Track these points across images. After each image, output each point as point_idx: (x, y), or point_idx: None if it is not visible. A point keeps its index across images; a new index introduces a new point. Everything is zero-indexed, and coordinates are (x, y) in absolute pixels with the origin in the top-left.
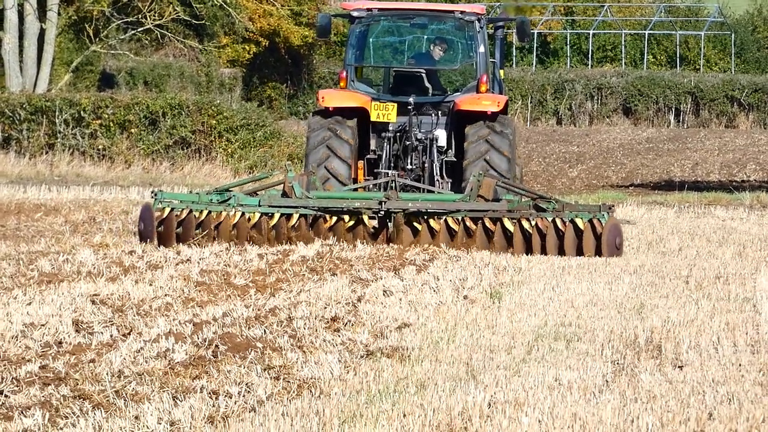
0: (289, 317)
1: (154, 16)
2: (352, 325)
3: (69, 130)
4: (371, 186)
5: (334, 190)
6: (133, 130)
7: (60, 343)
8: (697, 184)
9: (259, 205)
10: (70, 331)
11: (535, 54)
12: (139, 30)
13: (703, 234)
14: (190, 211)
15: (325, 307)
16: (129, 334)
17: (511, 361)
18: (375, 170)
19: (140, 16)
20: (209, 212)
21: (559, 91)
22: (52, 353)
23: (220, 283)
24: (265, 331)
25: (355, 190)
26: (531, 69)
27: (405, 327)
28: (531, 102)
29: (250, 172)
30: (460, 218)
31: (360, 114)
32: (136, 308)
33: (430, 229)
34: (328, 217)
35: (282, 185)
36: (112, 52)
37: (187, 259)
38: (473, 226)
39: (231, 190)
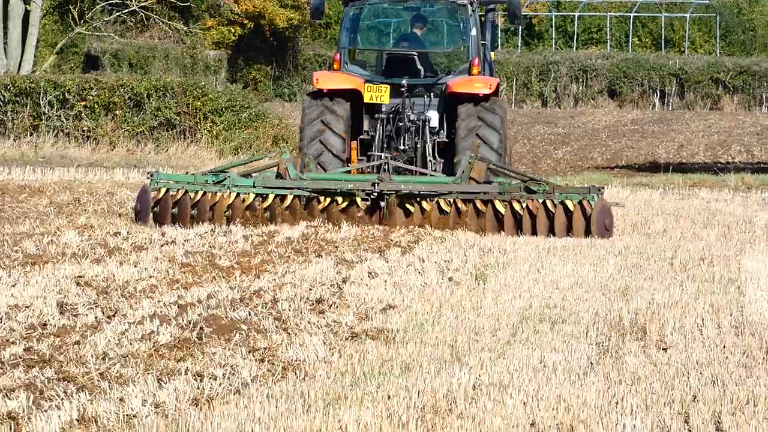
0: (274, 299)
1: None
2: (337, 306)
3: (53, 112)
4: (365, 168)
5: (329, 167)
6: (117, 112)
7: (44, 325)
8: (682, 166)
9: (254, 186)
10: (54, 313)
11: (520, 36)
12: (123, 12)
13: (688, 215)
14: (186, 192)
15: (310, 289)
16: (114, 316)
17: (496, 343)
18: (368, 151)
19: None
20: (204, 193)
21: (544, 73)
22: (37, 335)
23: (204, 264)
24: (249, 313)
25: (348, 172)
26: (516, 51)
27: (390, 309)
28: (516, 84)
29: (234, 154)
30: (452, 200)
31: (354, 95)
32: (121, 290)
33: (422, 211)
34: (321, 198)
35: (276, 167)
36: (97, 33)
37: (172, 241)
38: (465, 208)
39: (227, 171)
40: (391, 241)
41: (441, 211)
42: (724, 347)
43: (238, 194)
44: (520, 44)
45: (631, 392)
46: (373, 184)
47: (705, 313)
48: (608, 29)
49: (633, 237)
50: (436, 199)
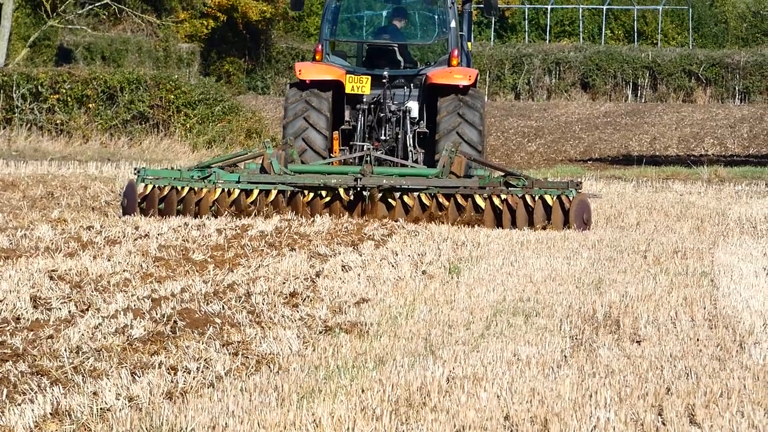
0: (248, 293)
1: None
2: (311, 300)
3: (26, 105)
4: (347, 159)
5: (311, 161)
6: (90, 105)
7: (18, 319)
8: (655, 159)
9: (239, 182)
10: (27, 307)
11: (493, 29)
12: (96, 5)
13: (661, 208)
14: (173, 187)
15: (284, 283)
16: (87, 310)
17: (470, 337)
18: (350, 142)
19: None
20: (190, 189)
21: (517, 65)
22: (10, 329)
23: (178, 258)
24: (223, 306)
25: (330, 163)
26: (489, 44)
27: (363, 302)
28: (489, 77)
29: (208, 147)
30: (432, 194)
31: (335, 86)
32: (95, 284)
33: (404, 204)
34: (306, 192)
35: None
36: (70, 27)
37: (146, 235)
38: (446, 203)
39: (211, 167)
40: (365, 234)
41: (422, 205)
42: (697, 340)
43: (223, 189)
44: (493, 37)
45: (605, 385)
46: (356, 179)
47: (678, 306)
48: (581, 21)
49: (606, 230)
50: (417, 194)
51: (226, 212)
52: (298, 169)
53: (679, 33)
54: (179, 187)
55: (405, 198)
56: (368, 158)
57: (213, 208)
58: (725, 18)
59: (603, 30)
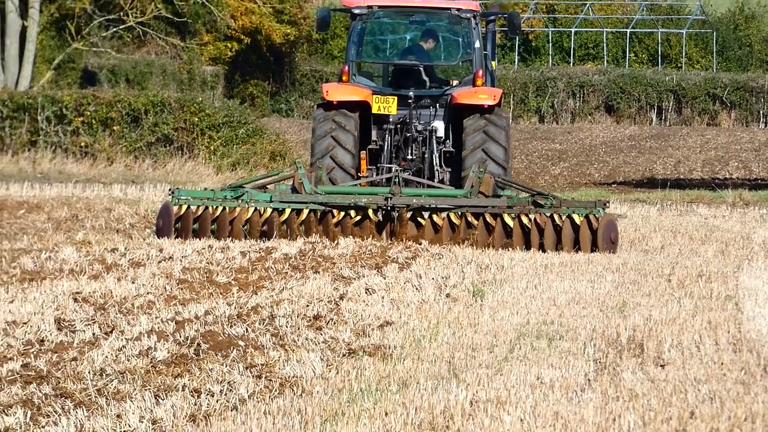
0: (272, 315)
1: (136, 13)
2: (335, 323)
3: (51, 128)
4: (375, 180)
5: (339, 181)
6: (115, 128)
7: (42, 341)
8: (680, 182)
9: (271, 201)
10: (52, 329)
11: (517, 52)
12: (121, 27)
13: (686, 232)
14: (206, 207)
15: (308, 305)
16: (111, 332)
17: (493, 360)
18: (377, 162)
19: (122, 13)
20: (224, 208)
21: (541, 89)
22: (34, 351)
23: (202, 281)
24: (247, 329)
25: (359, 184)
26: (513, 67)
27: (387, 325)
28: (513, 100)
29: (232, 170)
30: (461, 213)
31: (362, 107)
32: (119, 306)
33: (434, 224)
34: (335, 212)
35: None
36: (94, 49)
37: (170, 257)
38: (475, 222)
39: (244, 187)
40: (389, 257)
41: (451, 225)
42: (722, 364)
43: (256, 209)
44: (517, 60)
45: (629, 409)
46: (386, 198)
47: (703, 330)
48: (605, 45)
49: (631, 253)
50: (446, 213)
51: (259, 231)
52: (329, 189)
53: (703, 56)
54: (212, 208)
55: (434, 217)
56: (396, 179)
57: (245, 227)
58: (749, 41)
59: (627, 53)
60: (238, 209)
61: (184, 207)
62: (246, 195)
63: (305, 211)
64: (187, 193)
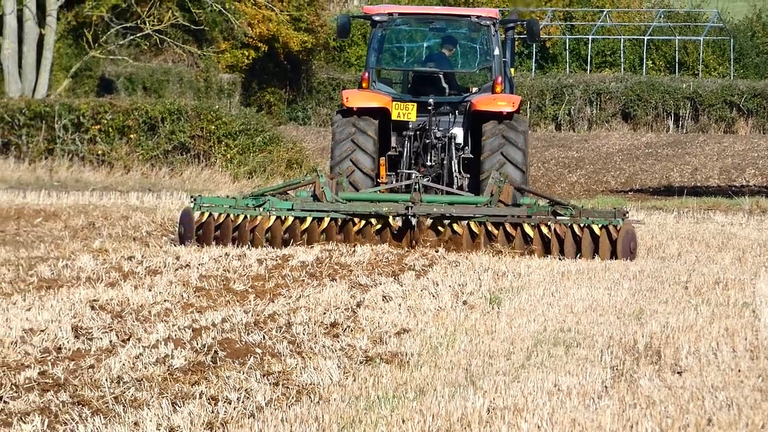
0: (289, 323)
1: (153, 21)
2: (352, 330)
3: (68, 136)
4: (396, 186)
5: (359, 184)
6: (132, 136)
7: (59, 348)
8: (697, 189)
9: (292, 209)
10: (69, 337)
11: (534, 59)
12: (138, 35)
13: (703, 239)
14: (228, 215)
15: (324, 313)
16: (128, 339)
17: (510, 367)
18: (396, 167)
19: (139, 21)
20: (245, 216)
21: (558, 96)
22: (51, 359)
23: (219, 288)
24: (264, 336)
25: (379, 191)
26: (530, 74)
27: (404, 332)
28: (530, 107)
29: (249, 178)
30: (481, 222)
31: (382, 113)
32: (135, 314)
33: (453, 233)
34: (356, 220)
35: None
36: (111, 57)
37: (187, 265)
38: (495, 231)
39: (266, 195)
40: (405, 265)
41: (471, 233)
42: (739, 371)
43: (278, 217)
44: (533, 67)
45: (646, 416)
46: (407, 207)
47: (720, 337)
48: (622, 52)
49: (647, 261)
50: (467, 222)
51: (280, 239)
52: (350, 196)
53: (720, 64)
54: (234, 215)
55: (454, 226)
56: (417, 186)
57: (267, 235)
58: (767, 49)
59: (644, 60)
60: (259, 217)
61: (206, 214)
62: (267, 203)
63: (326, 220)
64: (208, 200)
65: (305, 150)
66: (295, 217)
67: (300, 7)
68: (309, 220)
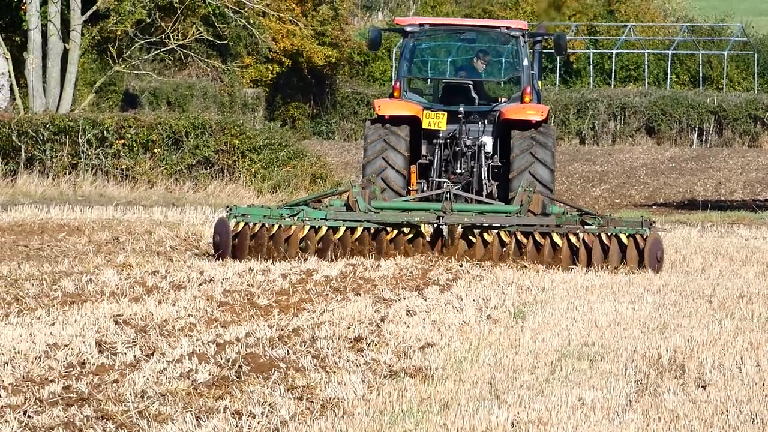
0: (313, 337)
1: (177, 36)
2: (376, 345)
3: (92, 150)
4: (427, 194)
5: (388, 199)
6: (156, 150)
7: (83, 363)
8: (721, 204)
9: (326, 219)
10: (93, 352)
11: (558, 73)
12: (162, 50)
13: (727, 253)
14: (263, 225)
15: (349, 327)
16: (152, 354)
17: (535, 381)
18: (428, 175)
19: (163, 36)
20: (280, 226)
21: (582, 110)
22: (75, 374)
23: (243, 303)
24: (288, 351)
25: (411, 199)
26: (554, 89)
27: (428, 347)
28: (554, 121)
29: (273, 192)
30: (511, 232)
31: (412, 122)
32: (160, 328)
33: (484, 242)
34: (389, 229)
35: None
36: (135, 72)
37: (210, 279)
38: (524, 240)
39: (300, 205)
40: (429, 279)
41: (501, 242)
42: (763, 385)
43: (312, 227)
44: (557, 81)
45: (670, 430)
46: (438, 217)
47: (744, 351)
48: (646, 66)
49: (671, 275)
50: (497, 231)
51: (315, 249)
52: (382, 205)
53: (744, 78)
54: (269, 225)
55: (485, 235)
56: (448, 195)
57: (302, 244)
58: None
59: (668, 75)
60: (293, 227)
61: (242, 224)
62: (301, 212)
63: (359, 229)
64: (243, 210)
65: (329, 164)
66: (329, 227)
67: (324, 21)
68: (342, 229)
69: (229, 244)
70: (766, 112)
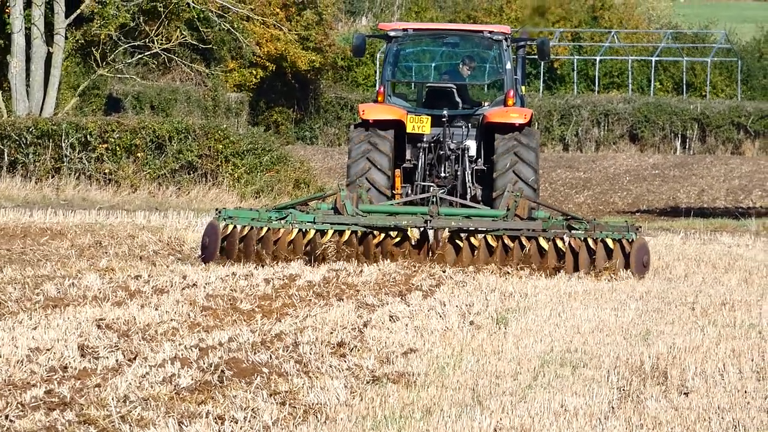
0: (295, 342)
1: (161, 40)
2: (358, 350)
3: (75, 154)
4: (412, 198)
5: (374, 200)
6: (139, 155)
7: (65, 367)
8: (703, 211)
9: (314, 222)
10: (75, 356)
11: (542, 80)
12: (146, 54)
13: (709, 260)
14: (252, 228)
15: (331, 333)
16: (135, 358)
17: (517, 387)
18: (411, 178)
19: (147, 40)
20: (268, 229)
21: (565, 116)
22: (58, 378)
23: (226, 307)
24: (271, 356)
25: (394, 200)
26: (538, 95)
27: (411, 352)
28: (537, 128)
29: (256, 197)
30: (499, 236)
31: (397, 126)
32: (142, 333)
33: (470, 246)
34: (376, 233)
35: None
36: (119, 76)
37: (193, 284)
38: (511, 244)
39: (288, 208)
40: (412, 285)
41: (488, 247)
42: (745, 392)
43: (300, 230)
44: (541, 88)
45: None
46: (426, 221)
47: (726, 358)
48: (630, 73)
49: (654, 281)
50: (483, 235)
51: (302, 252)
52: (369, 209)
53: (727, 85)
54: (257, 228)
55: (471, 239)
56: (434, 199)
57: (290, 247)
58: None
59: (652, 81)
60: (282, 230)
61: (231, 226)
62: (290, 216)
63: (347, 233)
64: (231, 213)
65: (313, 170)
66: (317, 230)
67: (308, 26)
68: (330, 233)
69: (218, 246)
70: (749, 119)
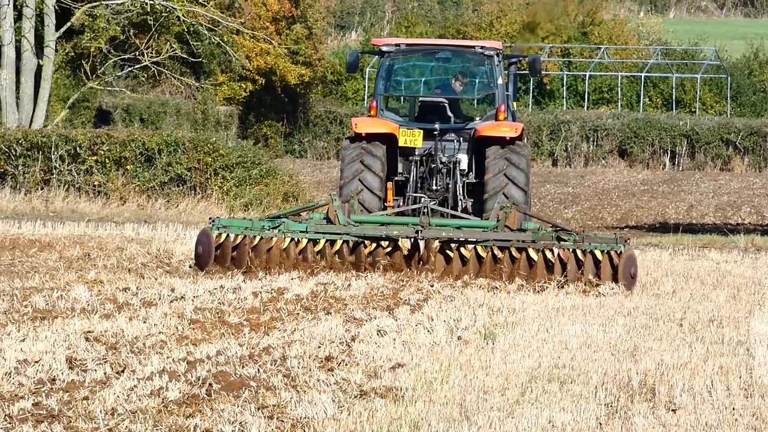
0: (283, 356)
1: (151, 53)
2: (346, 364)
3: (65, 166)
4: (404, 209)
5: (367, 204)
6: (128, 167)
7: (53, 380)
8: (692, 227)
9: (306, 231)
10: (63, 368)
11: (531, 95)
12: (136, 67)
13: (698, 276)
14: (245, 236)
15: (319, 347)
16: (123, 371)
17: (505, 403)
18: (405, 194)
19: (137, 53)
20: (261, 238)
21: (555, 132)
22: (46, 390)
23: (214, 321)
24: (258, 369)
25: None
26: (527, 110)
27: (399, 367)
28: (527, 143)
29: (245, 210)
30: (488, 246)
31: (389, 139)
32: (130, 345)
33: (461, 256)
34: (367, 242)
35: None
36: (109, 88)
37: (182, 297)
38: (501, 255)
39: (281, 218)
40: (400, 299)
41: (478, 257)
42: (733, 409)
43: (292, 239)
44: (531, 103)
45: None
46: (417, 231)
47: (714, 375)
48: (619, 89)
49: (642, 297)
50: (474, 246)
51: (295, 260)
52: (361, 219)
53: (717, 101)
54: (250, 237)
55: (462, 250)
56: (425, 210)
57: (282, 256)
58: (764, 87)
59: (641, 97)
60: (274, 239)
61: (224, 235)
62: (283, 225)
63: (339, 242)
64: (225, 222)
65: (302, 183)
66: (309, 240)
67: (298, 40)
68: (322, 242)
69: (211, 255)
70: (739, 136)
